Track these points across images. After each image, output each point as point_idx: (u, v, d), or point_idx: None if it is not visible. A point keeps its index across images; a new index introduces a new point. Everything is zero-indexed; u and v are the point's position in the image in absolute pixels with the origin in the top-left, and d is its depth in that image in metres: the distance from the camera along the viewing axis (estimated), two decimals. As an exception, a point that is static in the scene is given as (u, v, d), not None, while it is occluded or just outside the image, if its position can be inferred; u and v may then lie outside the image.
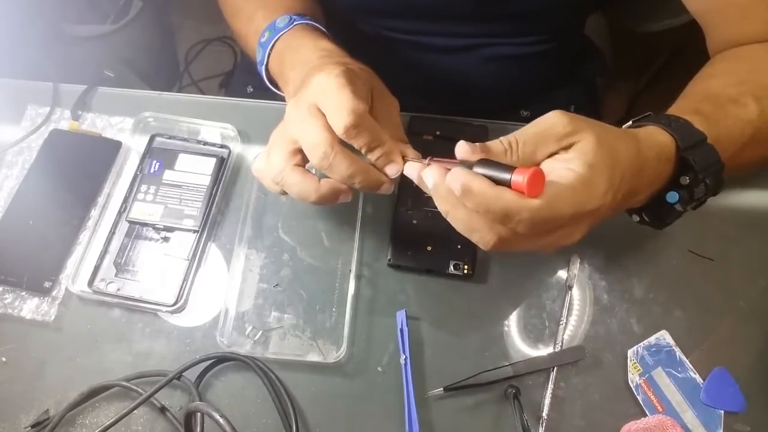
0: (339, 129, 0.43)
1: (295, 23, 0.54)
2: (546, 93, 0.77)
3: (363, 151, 0.45)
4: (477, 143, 0.39)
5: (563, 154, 0.38)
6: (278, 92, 0.57)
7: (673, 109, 0.46)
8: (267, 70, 0.56)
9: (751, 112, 0.45)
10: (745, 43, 0.53)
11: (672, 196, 0.42)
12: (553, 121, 0.38)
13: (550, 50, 0.69)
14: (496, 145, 0.39)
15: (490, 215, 0.36)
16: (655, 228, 0.45)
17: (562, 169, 0.37)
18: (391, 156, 0.45)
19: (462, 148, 0.38)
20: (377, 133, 0.44)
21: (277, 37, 0.54)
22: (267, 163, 0.47)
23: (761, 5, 0.51)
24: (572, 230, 0.38)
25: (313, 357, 0.50)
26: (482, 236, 0.38)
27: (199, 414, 0.45)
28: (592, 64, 0.82)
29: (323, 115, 0.44)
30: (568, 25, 0.71)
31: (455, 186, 0.37)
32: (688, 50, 1.11)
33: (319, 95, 0.44)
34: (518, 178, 0.35)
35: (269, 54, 0.55)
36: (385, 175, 0.46)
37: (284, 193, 0.48)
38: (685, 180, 0.41)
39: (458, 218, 0.39)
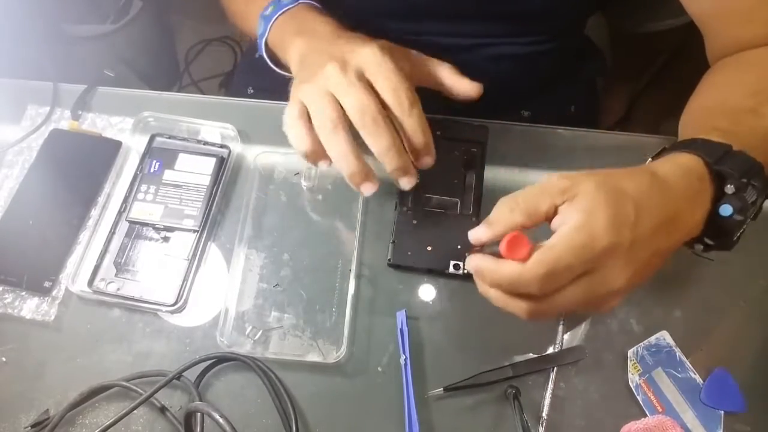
0: (395, 106, 0.46)
1: (299, 1, 0.57)
2: (546, 93, 0.77)
3: (407, 136, 0.47)
4: (482, 222, 0.41)
5: (565, 207, 0.38)
6: (275, 68, 0.59)
7: (689, 129, 0.46)
8: (266, 43, 0.58)
9: None
10: (747, 46, 0.52)
11: (725, 209, 0.41)
12: (552, 179, 0.39)
13: (551, 50, 0.69)
14: (500, 209, 0.40)
15: (503, 289, 0.39)
16: (725, 249, 0.43)
17: (562, 223, 0.38)
18: (409, 169, 0.48)
19: (474, 236, 0.41)
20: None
21: (281, 12, 0.56)
22: (320, 112, 0.46)
23: (764, 7, 0.51)
24: (603, 277, 0.38)
25: (313, 357, 0.50)
26: (514, 308, 0.40)
27: (199, 414, 0.45)
28: (592, 64, 0.82)
29: (371, 84, 0.46)
30: (569, 25, 0.71)
31: (472, 270, 0.41)
32: (689, 51, 1.11)
33: (369, 66, 0.46)
34: (501, 246, 0.37)
35: (271, 27, 0.57)
36: (407, 172, 0.48)
37: (316, 154, 0.48)
38: (731, 188, 0.40)
39: (491, 297, 0.41)
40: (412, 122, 0.46)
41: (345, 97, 0.46)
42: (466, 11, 0.62)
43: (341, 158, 0.46)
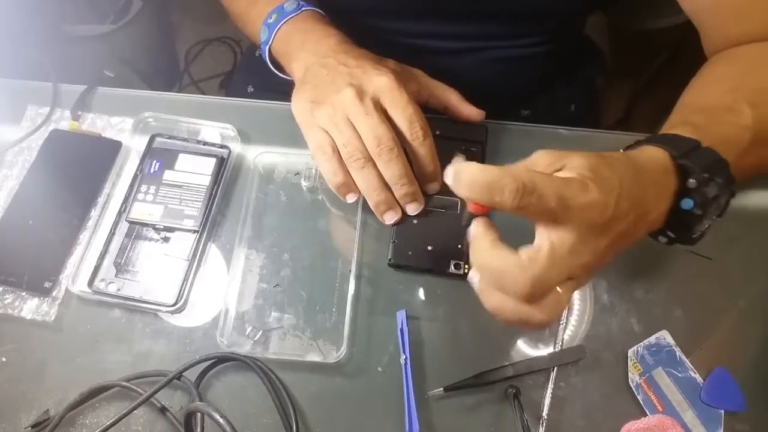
0: (411, 136, 0.49)
1: (302, 9, 0.58)
2: (546, 93, 0.77)
3: (419, 164, 0.51)
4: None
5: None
6: (278, 72, 0.60)
7: (665, 126, 0.46)
8: (269, 50, 0.60)
9: (747, 118, 0.44)
10: (742, 42, 0.52)
11: (686, 203, 0.41)
12: (539, 153, 0.39)
13: (550, 51, 0.68)
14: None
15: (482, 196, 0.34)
16: (687, 243, 0.43)
17: None
18: (417, 195, 0.52)
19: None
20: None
21: (285, 20, 0.58)
22: (349, 145, 0.49)
23: (757, 2, 0.51)
24: (578, 234, 0.35)
25: (313, 357, 0.50)
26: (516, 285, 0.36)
27: (199, 414, 0.45)
28: (591, 63, 0.82)
29: (386, 113, 0.49)
30: (566, 25, 0.70)
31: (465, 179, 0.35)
32: (689, 49, 1.10)
33: (385, 96, 0.49)
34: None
35: (275, 36, 0.58)
36: (416, 199, 0.52)
37: (348, 186, 0.51)
38: (692, 183, 0.40)
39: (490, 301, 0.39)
40: (425, 152, 0.50)
41: (362, 125, 0.48)
42: (459, 9, 0.62)
43: (370, 190, 0.50)
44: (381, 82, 0.49)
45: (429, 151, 0.50)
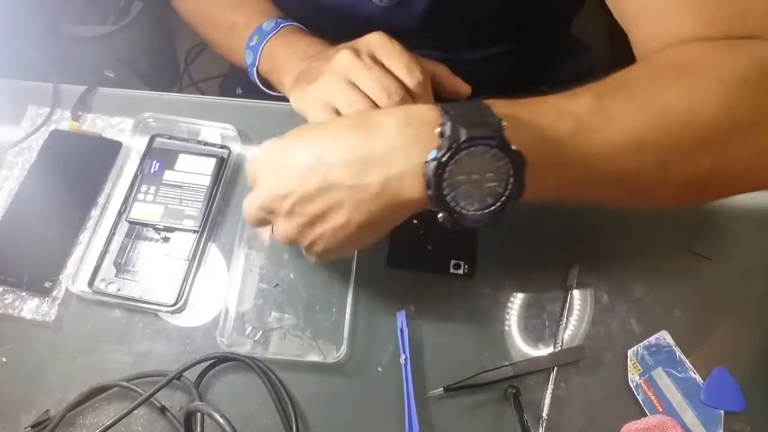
0: (412, 82, 0.47)
1: (281, 26, 0.58)
2: (531, 93, 0.76)
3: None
4: None
5: None
6: (270, 92, 0.60)
7: None
8: (257, 71, 0.59)
9: (581, 106, 0.39)
10: (675, 41, 0.45)
11: (433, 153, 0.35)
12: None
13: (522, 53, 0.68)
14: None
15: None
16: (454, 225, 0.37)
17: None
18: None
19: None
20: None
21: (267, 39, 0.58)
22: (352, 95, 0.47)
23: None
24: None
25: (313, 357, 0.50)
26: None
27: (199, 414, 0.45)
28: (575, 63, 0.80)
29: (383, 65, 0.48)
30: (529, 28, 0.69)
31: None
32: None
33: (379, 48, 0.48)
34: None
35: (260, 56, 0.58)
36: None
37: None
38: (440, 129, 0.36)
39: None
40: (427, 97, 0.49)
41: (367, 80, 0.47)
42: (410, 26, 0.61)
43: None
44: (372, 37, 0.49)
45: (430, 96, 0.50)
